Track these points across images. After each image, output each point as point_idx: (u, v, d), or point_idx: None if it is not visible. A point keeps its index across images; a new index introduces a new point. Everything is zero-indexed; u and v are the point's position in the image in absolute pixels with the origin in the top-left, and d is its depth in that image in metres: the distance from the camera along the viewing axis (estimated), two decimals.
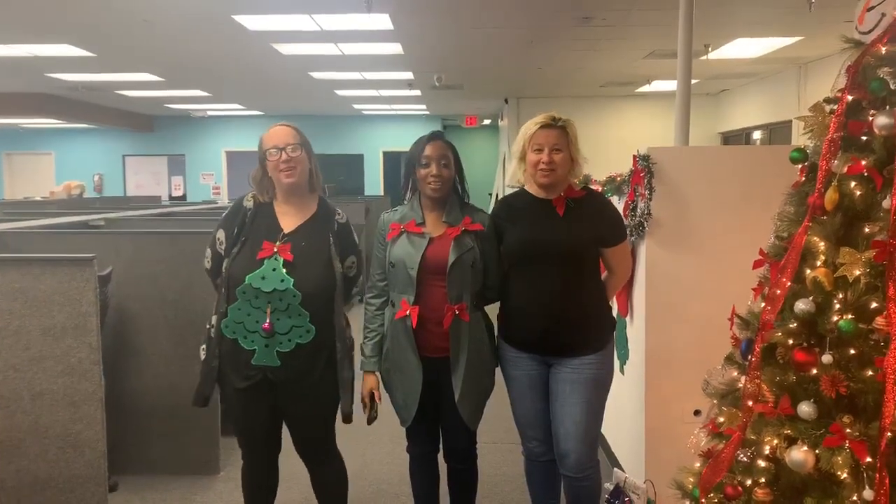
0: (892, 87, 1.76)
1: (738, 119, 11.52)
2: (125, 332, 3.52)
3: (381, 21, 6.49)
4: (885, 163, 1.72)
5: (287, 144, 2.51)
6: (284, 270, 2.45)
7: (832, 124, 1.84)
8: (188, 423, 3.54)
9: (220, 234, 2.59)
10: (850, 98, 1.83)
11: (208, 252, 2.63)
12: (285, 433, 2.66)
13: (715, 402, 2.11)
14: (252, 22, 6.55)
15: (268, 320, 2.43)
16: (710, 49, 7.58)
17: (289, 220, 2.57)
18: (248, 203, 2.60)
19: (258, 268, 2.45)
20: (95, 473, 2.58)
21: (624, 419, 3.46)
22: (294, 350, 2.47)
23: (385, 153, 16.14)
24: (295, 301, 2.44)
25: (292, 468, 2.82)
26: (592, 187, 3.09)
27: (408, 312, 2.51)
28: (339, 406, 2.57)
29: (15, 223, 4.08)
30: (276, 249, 2.47)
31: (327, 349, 2.54)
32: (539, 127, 2.56)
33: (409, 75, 9.87)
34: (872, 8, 1.82)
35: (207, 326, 2.59)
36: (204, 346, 2.59)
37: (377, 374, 2.65)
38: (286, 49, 7.85)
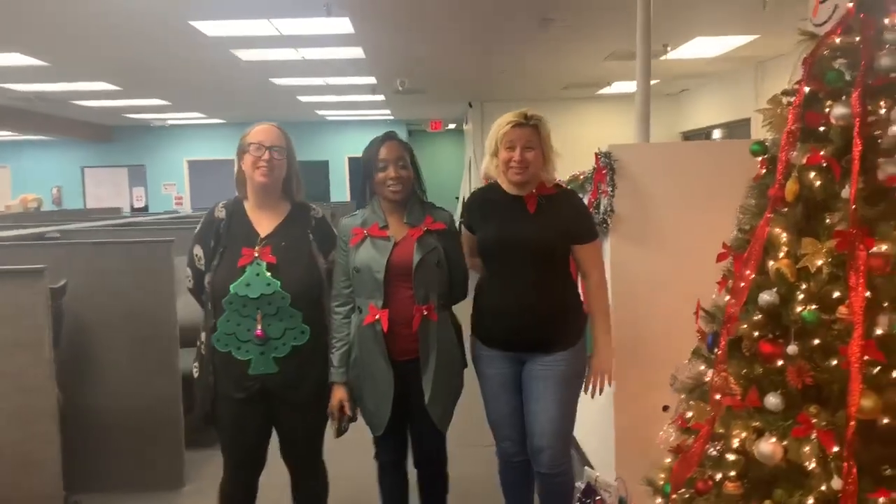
0: (847, 77, 1.78)
1: (698, 118, 11.69)
2: (83, 346, 3.42)
3: (342, 25, 6.44)
4: (843, 153, 1.73)
5: (273, 146, 2.47)
6: (269, 274, 2.40)
7: (790, 116, 1.85)
8: (151, 436, 3.45)
9: (198, 250, 2.52)
10: (807, 90, 1.85)
11: (188, 272, 2.56)
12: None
13: (683, 396, 2.11)
14: (210, 27, 6.46)
15: (259, 327, 2.38)
16: (668, 49, 7.66)
17: (264, 224, 2.52)
18: (221, 213, 2.54)
19: (241, 276, 2.40)
20: (52, 492, 2.51)
21: (593, 417, 3.45)
22: (290, 354, 2.43)
23: (350, 159, 16.05)
24: (284, 303, 2.40)
25: (267, 480, 2.76)
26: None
27: (377, 317, 2.47)
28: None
29: None
30: (256, 254, 2.42)
31: (322, 351, 2.52)
32: (511, 126, 2.54)
33: (371, 80, 9.82)
34: (826, 0, 1.84)
35: (198, 343, 2.54)
36: (196, 364, 2.54)
37: (345, 385, 2.58)
38: (246, 55, 7.75)
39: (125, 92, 10.12)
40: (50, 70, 8.13)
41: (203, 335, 2.51)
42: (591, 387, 2.65)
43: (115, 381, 3.45)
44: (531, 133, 2.54)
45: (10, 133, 13.02)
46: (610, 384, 2.67)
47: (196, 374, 2.55)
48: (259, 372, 2.42)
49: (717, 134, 11.17)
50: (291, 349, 2.43)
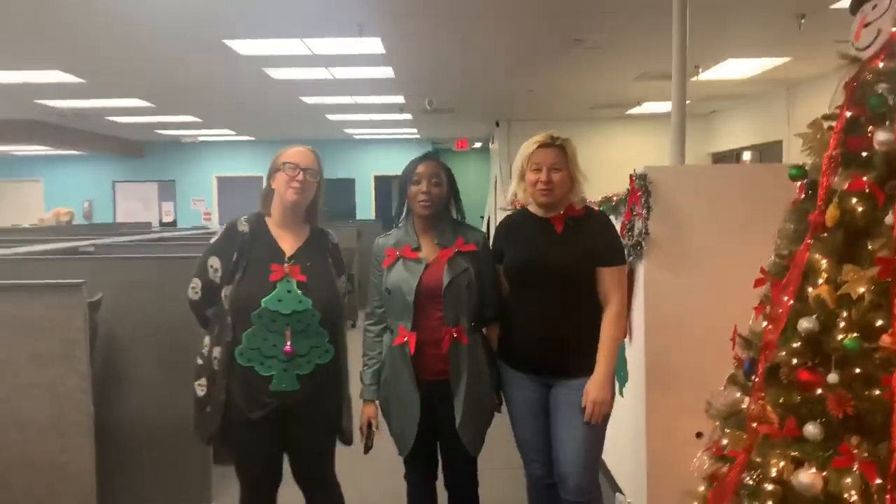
0: (890, 102, 1.75)
1: (727, 140, 11.61)
2: (114, 360, 3.45)
3: (373, 45, 6.52)
4: (886, 179, 1.70)
5: (308, 168, 2.50)
6: (300, 292, 2.42)
7: (832, 141, 1.82)
8: (178, 452, 3.46)
9: (214, 262, 2.49)
10: (848, 114, 1.83)
11: (196, 282, 2.52)
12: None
13: (717, 423, 2.08)
14: (243, 46, 6.56)
15: (288, 343, 2.39)
16: (700, 70, 7.65)
17: (287, 243, 2.54)
18: (244, 227, 2.54)
19: (272, 291, 2.41)
20: None
21: (624, 443, 3.41)
22: (313, 372, 2.44)
23: (376, 177, 16.16)
24: (314, 321, 2.42)
25: (284, 499, 2.76)
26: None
27: (405, 339, 2.47)
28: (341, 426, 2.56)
29: (3, 250, 4.02)
30: (287, 271, 2.44)
31: (339, 372, 2.53)
32: (537, 146, 2.56)
33: (400, 99, 9.90)
34: (869, 24, 1.82)
35: (199, 362, 2.50)
36: (202, 381, 2.49)
37: (376, 402, 2.60)
38: (277, 73, 7.86)
39: (158, 108, 10.30)
40: (86, 87, 8.31)
41: (216, 350, 2.45)
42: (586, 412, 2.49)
43: (144, 395, 3.47)
44: (557, 154, 2.54)
45: (44, 147, 13.28)
46: (609, 415, 2.54)
47: (202, 392, 2.48)
48: (280, 388, 2.41)
49: (747, 156, 11.08)
50: (315, 367, 2.44)
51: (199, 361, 2.51)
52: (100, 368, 3.35)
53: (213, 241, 2.59)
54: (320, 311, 2.43)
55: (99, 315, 3.31)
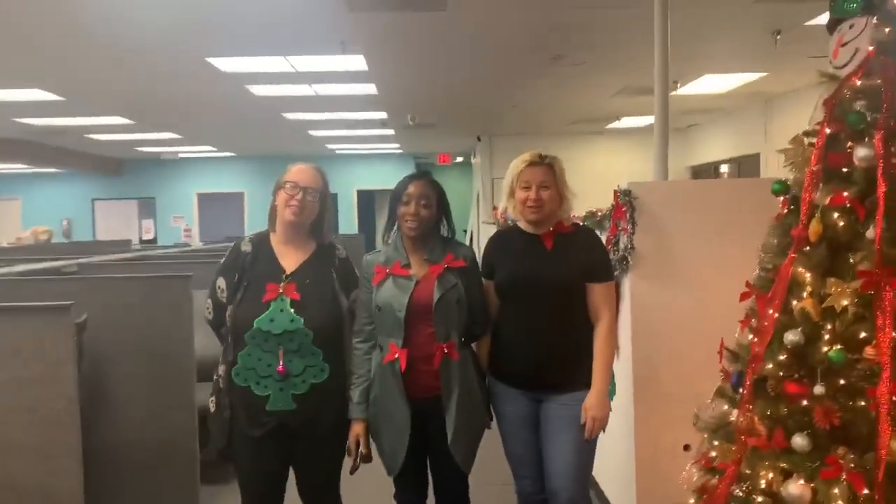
0: (869, 119, 1.80)
1: (706, 153, 11.76)
2: (100, 381, 3.41)
3: (357, 62, 6.54)
4: (867, 194, 1.75)
5: (307, 187, 2.52)
6: (293, 310, 2.43)
7: (813, 157, 1.87)
8: (166, 472, 3.42)
9: (221, 282, 2.55)
10: (828, 131, 1.87)
11: (209, 302, 2.59)
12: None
13: (706, 436, 2.10)
14: (226, 64, 6.56)
15: (281, 363, 2.39)
16: (678, 85, 7.74)
17: (289, 260, 2.55)
18: (246, 247, 2.58)
19: (265, 311, 2.42)
20: None
21: (613, 456, 3.43)
22: (309, 392, 2.43)
23: (359, 192, 16.16)
24: (307, 340, 2.42)
25: None
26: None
27: (396, 356, 2.47)
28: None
29: None
30: (281, 290, 2.45)
31: (341, 389, 2.52)
32: (526, 164, 2.59)
33: (382, 115, 9.93)
34: (846, 43, 1.87)
35: (215, 377, 2.55)
36: (213, 398, 2.55)
37: (365, 421, 2.58)
38: (259, 90, 7.86)
39: (138, 126, 10.25)
40: (66, 105, 8.26)
41: (221, 368, 2.51)
42: (585, 428, 2.50)
43: (130, 415, 3.43)
44: (546, 172, 2.58)
45: (22, 166, 13.15)
46: (603, 431, 2.56)
47: (212, 409, 2.55)
48: (277, 408, 2.42)
49: (725, 169, 11.23)
50: (310, 387, 2.44)
51: (214, 378, 2.55)
52: (85, 390, 3.31)
53: (222, 261, 2.64)
54: (312, 329, 2.42)
55: (85, 336, 3.28)
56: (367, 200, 16.57)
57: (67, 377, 2.45)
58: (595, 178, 4.65)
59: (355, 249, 2.79)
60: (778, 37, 5.82)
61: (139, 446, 3.41)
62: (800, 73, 7.04)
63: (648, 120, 4.02)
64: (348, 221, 15.98)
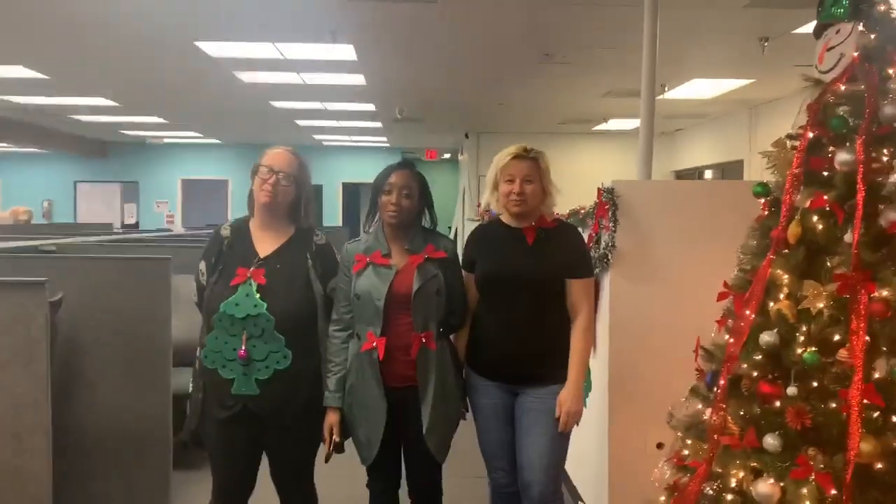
0: (851, 124, 1.81)
1: (690, 158, 11.83)
2: (75, 362, 3.37)
3: (346, 52, 6.51)
4: (846, 198, 1.77)
5: (281, 171, 2.51)
6: (258, 295, 2.42)
7: (795, 160, 1.88)
8: (138, 456, 3.39)
9: (202, 266, 2.58)
10: (811, 135, 1.88)
11: (193, 286, 2.62)
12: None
13: (679, 434, 2.11)
14: (215, 49, 6.51)
15: (243, 347, 2.39)
16: (666, 88, 7.78)
17: (265, 245, 2.55)
18: (226, 232, 2.60)
19: (232, 294, 2.42)
20: None
21: (587, 452, 3.44)
22: (273, 377, 2.42)
23: (345, 184, 16.09)
24: (269, 326, 2.41)
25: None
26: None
27: (374, 345, 2.46)
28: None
29: None
30: (249, 274, 2.45)
31: (309, 375, 2.51)
32: (511, 157, 2.59)
33: (370, 107, 9.90)
34: (832, 48, 1.88)
35: (195, 360, 2.57)
36: (192, 381, 2.57)
37: (339, 410, 2.56)
38: (247, 77, 7.80)
39: (124, 108, 10.14)
40: (50, 83, 8.15)
41: (198, 350, 2.54)
42: (560, 422, 2.53)
43: (103, 397, 3.39)
44: (531, 166, 2.58)
45: (3, 144, 12.98)
46: (577, 425, 2.58)
47: (191, 390, 2.58)
48: (241, 392, 2.43)
49: (708, 174, 11.30)
50: (274, 372, 2.43)
51: (195, 361, 2.57)
52: (59, 370, 3.27)
53: (206, 245, 2.66)
54: (275, 314, 2.41)
55: (59, 315, 3.24)
56: (352, 193, 16.51)
57: (40, 356, 2.42)
58: (580, 180, 4.65)
59: (341, 242, 2.78)
60: (766, 44, 5.86)
61: (112, 428, 3.38)
62: (786, 81, 7.09)
63: (636, 123, 4.02)
64: (333, 214, 15.91)
